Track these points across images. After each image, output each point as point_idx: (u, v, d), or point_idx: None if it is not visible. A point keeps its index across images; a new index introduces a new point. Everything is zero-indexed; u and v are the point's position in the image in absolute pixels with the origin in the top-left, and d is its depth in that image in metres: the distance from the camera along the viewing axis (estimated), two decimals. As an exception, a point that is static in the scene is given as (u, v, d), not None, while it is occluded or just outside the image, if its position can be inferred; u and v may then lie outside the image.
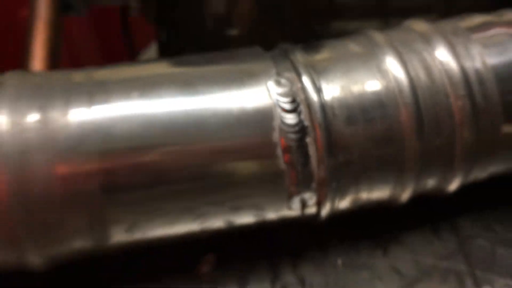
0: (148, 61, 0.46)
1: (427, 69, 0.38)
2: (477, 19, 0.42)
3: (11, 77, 0.35)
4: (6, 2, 0.97)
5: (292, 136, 0.35)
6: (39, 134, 0.32)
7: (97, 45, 1.10)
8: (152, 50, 0.86)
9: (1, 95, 0.33)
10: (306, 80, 0.37)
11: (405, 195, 0.40)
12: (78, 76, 0.36)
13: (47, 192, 0.32)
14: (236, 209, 0.37)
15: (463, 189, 0.42)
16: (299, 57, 0.39)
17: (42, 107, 0.33)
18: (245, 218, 0.38)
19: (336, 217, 0.40)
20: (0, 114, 0.32)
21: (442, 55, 0.38)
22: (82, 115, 0.33)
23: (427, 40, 0.39)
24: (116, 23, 0.94)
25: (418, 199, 0.41)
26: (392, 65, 0.38)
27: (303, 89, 0.36)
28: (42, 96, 0.33)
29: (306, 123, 0.35)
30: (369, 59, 0.38)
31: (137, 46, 1.09)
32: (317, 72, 0.37)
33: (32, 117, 0.32)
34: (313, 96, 0.36)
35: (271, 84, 0.36)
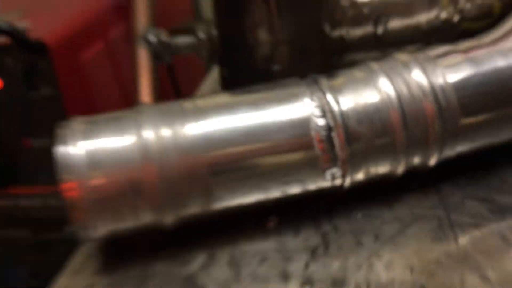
0: (225, 92, 0.63)
1: (407, 85, 0.52)
2: (441, 49, 0.56)
3: (144, 107, 0.53)
4: (69, 47, 1.08)
5: (323, 132, 0.50)
6: (170, 141, 0.49)
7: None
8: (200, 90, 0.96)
9: (145, 117, 0.50)
10: (329, 97, 0.52)
11: (400, 169, 0.54)
12: (187, 103, 0.53)
13: (178, 175, 0.49)
14: (288, 183, 0.52)
15: (442, 165, 0.55)
16: (323, 82, 0.53)
17: (169, 124, 0.50)
18: (294, 189, 0.53)
19: (355, 187, 0.54)
20: (147, 129, 0.49)
21: (417, 75, 0.53)
22: (193, 128, 0.50)
23: (407, 66, 0.54)
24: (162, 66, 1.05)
25: (410, 172, 0.55)
26: (384, 84, 0.53)
27: (328, 103, 0.51)
28: (167, 117, 0.51)
29: (331, 124, 0.51)
30: (369, 81, 0.53)
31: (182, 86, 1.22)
32: (336, 91, 0.52)
33: (165, 131, 0.49)
34: (335, 107, 0.51)
35: (307, 100, 0.52)
